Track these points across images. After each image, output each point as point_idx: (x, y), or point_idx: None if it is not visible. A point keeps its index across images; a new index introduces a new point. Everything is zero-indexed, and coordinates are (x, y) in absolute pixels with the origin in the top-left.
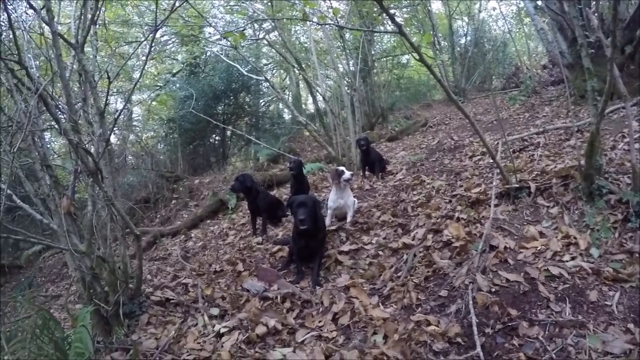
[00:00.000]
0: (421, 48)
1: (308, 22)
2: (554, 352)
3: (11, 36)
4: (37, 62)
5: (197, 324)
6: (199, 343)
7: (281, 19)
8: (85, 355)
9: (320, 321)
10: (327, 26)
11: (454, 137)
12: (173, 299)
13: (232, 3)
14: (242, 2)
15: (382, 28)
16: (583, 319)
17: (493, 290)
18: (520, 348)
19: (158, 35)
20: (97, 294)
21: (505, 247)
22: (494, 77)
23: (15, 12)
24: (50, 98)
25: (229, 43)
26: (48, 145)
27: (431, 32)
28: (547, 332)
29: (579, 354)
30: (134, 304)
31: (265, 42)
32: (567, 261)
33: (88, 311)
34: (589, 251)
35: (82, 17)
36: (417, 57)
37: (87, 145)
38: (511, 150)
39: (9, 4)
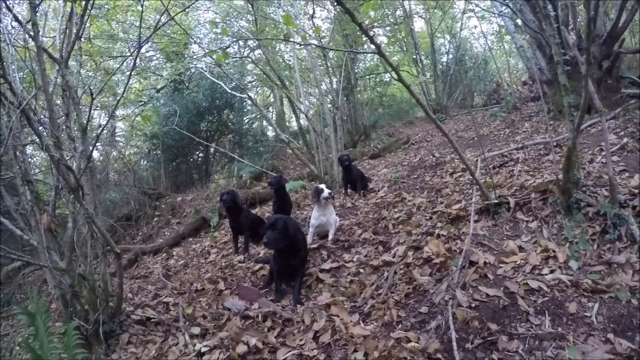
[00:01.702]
0: (403, 66)
1: (292, 41)
2: None
3: None
4: (21, 74)
5: (178, 343)
6: None
7: (265, 39)
8: None
9: (301, 340)
10: (310, 45)
11: (436, 154)
12: (154, 318)
13: (217, 20)
14: (227, 20)
15: (365, 47)
16: (563, 331)
17: (473, 305)
18: None
19: (143, 50)
20: (77, 312)
21: (485, 262)
22: (475, 93)
23: (0, 24)
24: (33, 113)
25: (213, 60)
26: (30, 160)
27: (414, 51)
28: (527, 345)
29: None
30: (114, 322)
31: (249, 60)
32: (546, 274)
33: (72, 327)
34: (567, 264)
35: (67, 31)
36: (396, 77)
37: (69, 161)
38: (491, 166)
39: None
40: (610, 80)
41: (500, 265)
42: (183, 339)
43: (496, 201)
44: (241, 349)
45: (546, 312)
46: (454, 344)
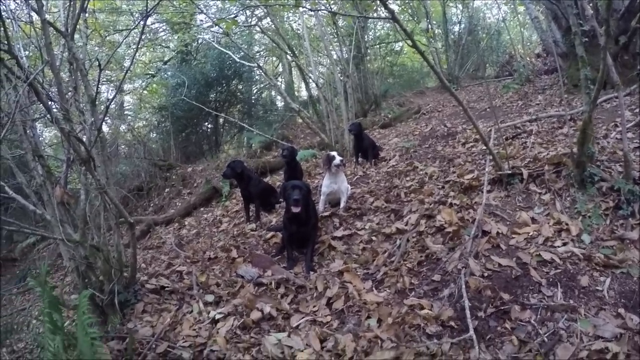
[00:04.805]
0: (414, 35)
1: (301, 9)
2: (546, 335)
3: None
4: (27, 53)
5: (192, 311)
6: (195, 330)
7: (274, 5)
8: (97, 340)
9: (314, 306)
10: (320, 12)
11: (447, 125)
12: (168, 287)
13: None
14: None
15: (375, 15)
16: (574, 304)
17: (485, 274)
18: (513, 331)
19: (149, 22)
20: (92, 283)
21: (498, 233)
22: (487, 65)
23: (3, 2)
24: (41, 87)
25: (220, 30)
26: (40, 137)
27: (425, 19)
28: (539, 316)
29: (570, 337)
30: (129, 292)
31: (258, 29)
32: (558, 247)
33: (85, 296)
34: (580, 237)
35: (71, 4)
36: (411, 44)
37: (79, 134)
38: (504, 137)
39: None
40: (626, 57)
41: (513, 235)
42: (197, 307)
43: (509, 172)
44: (255, 315)
45: (558, 284)
46: (467, 312)
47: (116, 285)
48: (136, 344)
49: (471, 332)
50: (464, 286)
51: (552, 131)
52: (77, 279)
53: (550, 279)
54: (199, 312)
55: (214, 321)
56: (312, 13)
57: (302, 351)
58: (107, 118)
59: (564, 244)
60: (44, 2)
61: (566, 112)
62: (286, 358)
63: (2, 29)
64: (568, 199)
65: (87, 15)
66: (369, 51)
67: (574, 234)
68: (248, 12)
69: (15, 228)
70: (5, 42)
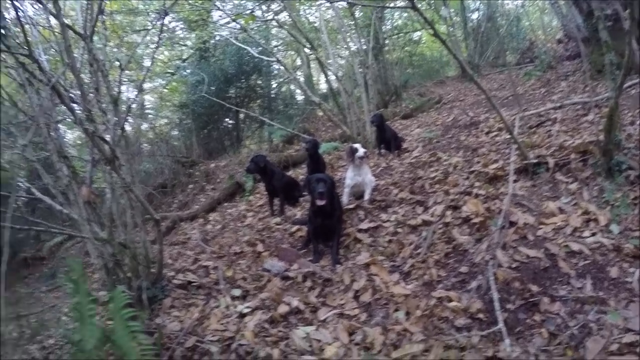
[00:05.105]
0: (434, 23)
1: (317, 1)
2: (575, 328)
3: (20, 32)
4: (47, 56)
5: (219, 306)
6: (222, 324)
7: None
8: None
9: (341, 299)
10: (337, 4)
11: (470, 114)
12: (195, 282)
13: None
14: None
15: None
16: (604, 295)
17: (513, 266)
18: (542, 324)
19: (166, 21)
20: (120, 280)
21: (525, 223)
22: (507, 52)
23: (22, 8)
24: (64, 89)
25: (238, 26)
26: (64, 138)
27: (445, 7)
28: (568, 308)
29: (600, 330)
30: (156, 288)
31: (275, 22)
32: (587, 237)
33: (119, 291)
34: (608, 227)
35: (89, 7)
36: (432, 33)
37: (102, 134)
38: (528, 125)
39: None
40: None
41: (540, 226)
42: (224, 301)
43: (535, 161)
44: (282, 309)
45: (587, 275)
46: (496, 304)
47: (144, 281)
48: (165, 338)
49: (500, 324)
50: (492, 278)
51: (576, 119)
52: (105, 276)
53: (579, 271)
54: (227, 306)
55: (242, 315)
56: (329, 5)
57: (330, 344)
58: (130, 117)
59: (593, 235)
60: (62, 6)
61: (591, 99)
62: (314, 351)
63: (22, 34)
64: (595, 188)
65: (104, 17)
66: (387, 42)
67: (603, 224)
68: (265, 7)
69: (43, 228)
70: (26, 47)
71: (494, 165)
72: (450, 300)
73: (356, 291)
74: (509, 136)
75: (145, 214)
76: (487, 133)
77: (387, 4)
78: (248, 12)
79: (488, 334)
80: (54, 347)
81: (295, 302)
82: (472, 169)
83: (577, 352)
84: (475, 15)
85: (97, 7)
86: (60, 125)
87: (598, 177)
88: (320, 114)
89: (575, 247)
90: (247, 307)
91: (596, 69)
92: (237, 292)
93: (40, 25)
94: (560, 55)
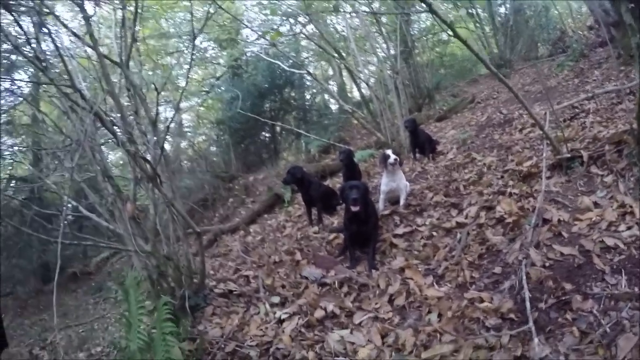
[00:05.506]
0: (461, 21)
1: (342, 11)
2: (608, 325)
3: (61, 64)
4: (86, 84)
5: (259, 312)
6: (262, 329)
7: (313, 12)
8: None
9: (376, 303)
10: (361, 13)
11: (503, 111)
12: (235, 290)
13: (264, 2)
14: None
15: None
16: (639, 291)
17: (547, 264)
18: (574, 322)
19: (197, 42)
20: (164, 290)
21: (559, 220)
22: (539, 44)
23: (61, 41)
24: (105, 114)
25: (267, 41)
26: (107, 159)
27: (469, 4)
28: (601, 306)
29: (633, 327)
30: (198, 297)
31: (303, 35)
32: (622, 231)
33: (164, 302)
34: None
35: (123, 36)
36: (453, 34)
37: (143, 154)
38: (561, 119)
39: (54, 35)
40: None
41: (575, 222)
42: (264, 308)
43: (568, 155)
44: (319, 314)
45: (622, 271)
46: (527, 303)
47: (187, 290)
48: (206, 344)
49: (530, 323)
50: (524, 277)
51: (611, 107)
52: (149, 287)
53: (614, 266)
54: (266, 312)
55: (280, 321)
56: (354, 14)
57: (363, 347)
58: (168, 136)
59: (629, 228)
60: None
61: (623, 86)
62: (348, 353)
63: (63, 65)
64: (631, 179)
65: (138, 43)
66: (416, 44)
67: (639, 217)
68: (292, 20)
69: (91, 243)
70: (67, 77)
71: (528, 163)
72: (482, 301)
73: (391, 295)
74: (542, 132)
75: (187, 227)
76: (521, 130)
77: (409, 10)
78: (276, 27)
79: (518, 333)
80: (100, 354)
81: (331, 307)
82: (506, 167)
83: (608, 350)
84: (502, 10)
85: (131, 35)
86: (103, 148)
87: (634, 167)
88: (355, 122)
89: (610, 242)
90: (285, 312)
91: (629, 54)
92: (276, 299)
93: (79, 56)
94: (592, 42)
